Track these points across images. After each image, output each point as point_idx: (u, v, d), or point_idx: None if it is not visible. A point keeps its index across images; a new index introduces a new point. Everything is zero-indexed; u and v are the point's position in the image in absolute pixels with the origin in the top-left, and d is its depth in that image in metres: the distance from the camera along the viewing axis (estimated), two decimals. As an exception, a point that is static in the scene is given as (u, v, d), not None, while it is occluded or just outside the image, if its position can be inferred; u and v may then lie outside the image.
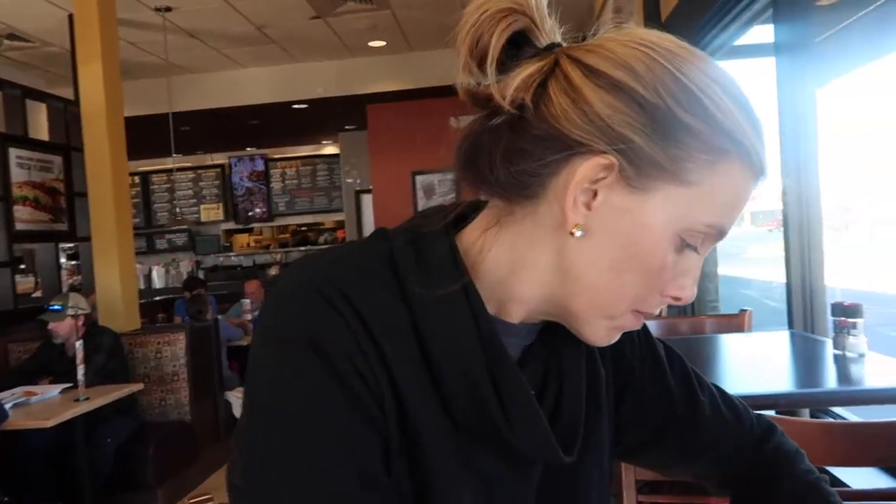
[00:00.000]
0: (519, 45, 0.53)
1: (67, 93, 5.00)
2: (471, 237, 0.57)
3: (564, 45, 0.54)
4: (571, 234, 0.51)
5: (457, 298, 0.53)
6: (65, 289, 5.39)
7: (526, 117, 0.52)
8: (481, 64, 0.52)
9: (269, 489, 0.48)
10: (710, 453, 0.73)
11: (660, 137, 0.49)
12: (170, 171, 9.62)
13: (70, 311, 3.34)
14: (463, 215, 0.60)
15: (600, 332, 0.56)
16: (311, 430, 0.48)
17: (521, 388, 0.54)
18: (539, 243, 0.54)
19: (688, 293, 0.54)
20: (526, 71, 0.52)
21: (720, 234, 0.53)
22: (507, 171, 0.53)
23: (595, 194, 0.51)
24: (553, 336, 0.60)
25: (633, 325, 0.56)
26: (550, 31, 0.54)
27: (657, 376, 0.71)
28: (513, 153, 0.52)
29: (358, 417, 0.49)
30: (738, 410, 0.75)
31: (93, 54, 4.03)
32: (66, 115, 5.00)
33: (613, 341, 0.58)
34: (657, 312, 0.56)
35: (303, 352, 0.49)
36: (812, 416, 2.16)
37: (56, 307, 3.37)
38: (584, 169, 0.50)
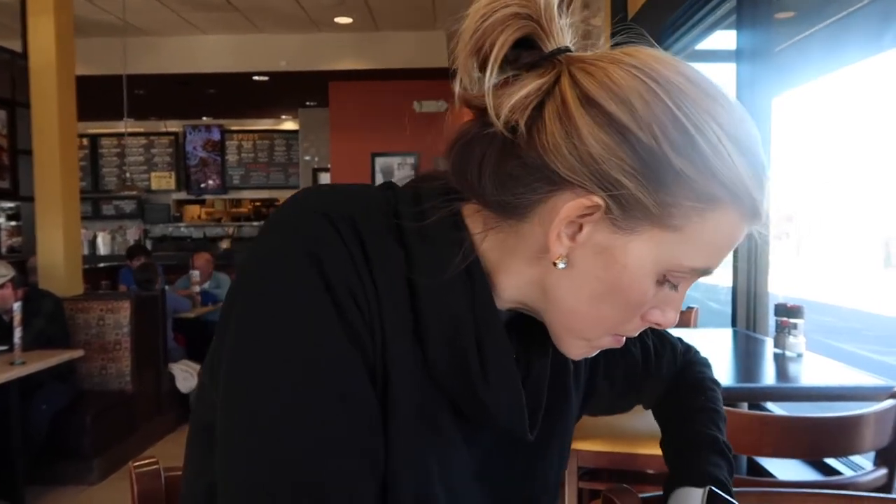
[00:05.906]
0: (525, 46, 0.51)
1: (13, 45, 4.77)
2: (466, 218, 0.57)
3: (573, 49, 0.53)
4: (554, 264, 0.51)
5: (455, 254, 0.52)
6: (3, 250, 5.17)
7: (518, 142, 0.50)
8: (482, 68, 0.50)
9: (248, 396, 0.47)
10: (648, 393, 0.83)
11: (650, 182, 0.48)
12: (121, 135, 9.29)
13: None
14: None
15: (577, 350, 0.58)
16: (298, 340, 0.48)
17: (505, 347, 0.54)
18: (521, 258, 0.54)
19: (669, 320, 0.55)
20: (524, 89, 0.50)
21: (705, 273, 0.54)
22: (494, 191, 0.52)
23: (581, 227, 0.50)
24: (526, 323, 0.61)
25: (612, 345, 0.58)
26: (558, 33, 0.52)
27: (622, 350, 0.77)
28: (502, 176, 0.51)
29: (346, 338, 0.49)
30: (671, 346, 0.84)
31: (45, 7, 3.86)
32: (13, 68, 4.77)
33: (591, 356, 0.59)
34: (636, 334, 0.57)
35: (303, 263, 0.48)
36: (750, 409, 2.25)
37: None
38: (570, 207, 0.49)
